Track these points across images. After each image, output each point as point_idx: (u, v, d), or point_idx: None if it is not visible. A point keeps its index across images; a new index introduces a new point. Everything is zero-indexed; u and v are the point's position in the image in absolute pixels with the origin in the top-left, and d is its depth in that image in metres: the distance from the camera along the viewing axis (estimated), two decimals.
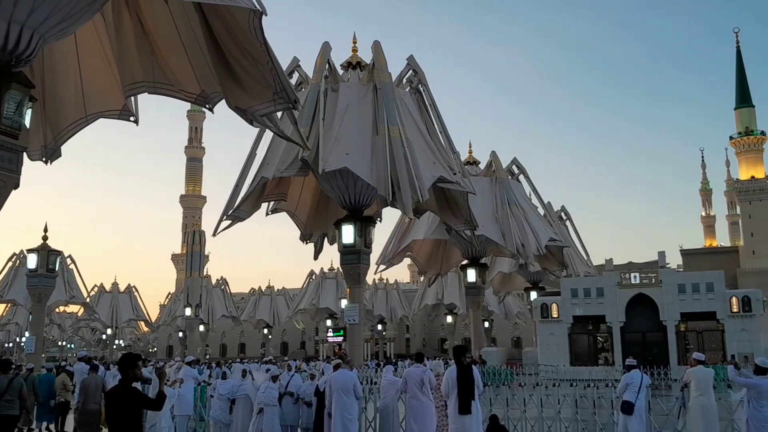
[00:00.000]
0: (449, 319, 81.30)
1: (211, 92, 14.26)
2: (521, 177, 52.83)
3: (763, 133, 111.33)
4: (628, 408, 12.23)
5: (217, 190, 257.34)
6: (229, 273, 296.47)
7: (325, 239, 37.76)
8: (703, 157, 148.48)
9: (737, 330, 39.31)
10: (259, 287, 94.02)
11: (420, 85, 35.85)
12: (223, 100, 13.98)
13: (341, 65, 36.73)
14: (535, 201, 53.58)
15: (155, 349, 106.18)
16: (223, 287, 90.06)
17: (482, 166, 51.89)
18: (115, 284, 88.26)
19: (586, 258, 59.23)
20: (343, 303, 49.14)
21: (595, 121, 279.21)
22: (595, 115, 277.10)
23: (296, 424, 15.29)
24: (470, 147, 54.27)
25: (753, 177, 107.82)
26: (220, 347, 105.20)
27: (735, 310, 39.66)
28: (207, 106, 14.75)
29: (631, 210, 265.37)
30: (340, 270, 43.66)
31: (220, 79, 12.98)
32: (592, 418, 13.76)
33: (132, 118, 15.49)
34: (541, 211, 53.02)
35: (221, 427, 16.04)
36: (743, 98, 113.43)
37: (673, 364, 38.29)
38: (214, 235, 33.44)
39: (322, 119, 31.77)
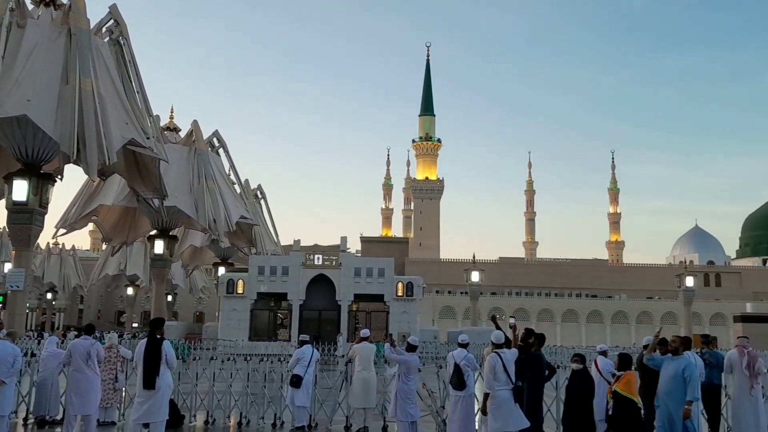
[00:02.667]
0: (130, 291, 77.55)
1: None
2: (221, 151, 52.45)
3: (439, 140, 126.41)
4: (296, 381, 12.91)
5: None
6: None
7: None
8: (389, 155, 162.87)
9: (400, 312, 44.14)
10: None
11: (121, 38, 33.50)
12: None
13: (32, 0, 32.62)
14: (232, 177, 53.69)
15: None
16: None
17: (183, 134, 50.31)
18: None
19: (275, 237, 61.04)
20: (7, 267, 43.72)
21: (298, 107, 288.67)
22: (298, 102, 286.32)
23: None
24: (172, 112, 52.40)
25: (427, 178, 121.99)
26: None
27: (400, 294, 44.52)
28: None
29: (324, 195, 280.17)
30: (7, 229, 38.81)
31: None
32: (262, 391, 14.30)
33: None
34: (238, 188, 53.30)
35: None
36: (427, 107, 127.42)
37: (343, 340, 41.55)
38: None
39: (1, 57, 27.96)
